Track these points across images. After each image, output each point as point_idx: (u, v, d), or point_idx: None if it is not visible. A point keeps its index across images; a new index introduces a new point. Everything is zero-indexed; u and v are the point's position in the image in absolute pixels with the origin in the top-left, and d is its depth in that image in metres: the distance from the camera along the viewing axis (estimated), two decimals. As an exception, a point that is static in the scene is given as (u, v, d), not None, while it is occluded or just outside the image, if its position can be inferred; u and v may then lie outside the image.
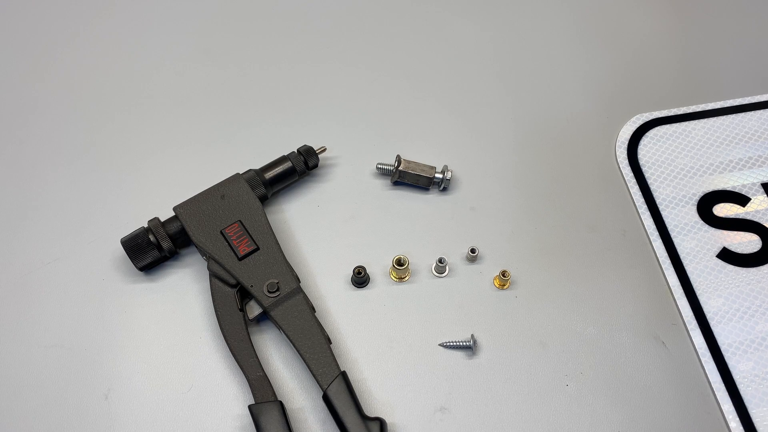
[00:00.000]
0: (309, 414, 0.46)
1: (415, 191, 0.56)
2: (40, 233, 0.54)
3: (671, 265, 0.52)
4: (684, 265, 0.52)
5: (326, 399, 0.44)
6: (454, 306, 0.51)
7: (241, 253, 0.49)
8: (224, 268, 0.49)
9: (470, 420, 0.46)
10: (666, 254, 0.53)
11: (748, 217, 0.54)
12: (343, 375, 0.45)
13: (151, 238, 0.50)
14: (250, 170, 0.53)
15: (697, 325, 0.50)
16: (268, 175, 0.54)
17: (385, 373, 0.48)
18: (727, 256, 0.53)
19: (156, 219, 0.51)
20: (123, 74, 0.63)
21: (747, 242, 0.53)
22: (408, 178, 0.55)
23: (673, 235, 0.54)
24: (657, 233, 0.54)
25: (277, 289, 0.48)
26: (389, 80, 0.63)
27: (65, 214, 0.55)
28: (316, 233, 0.54)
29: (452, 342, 0.48)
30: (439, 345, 0.49)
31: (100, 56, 0.64)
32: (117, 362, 0.48)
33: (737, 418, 0.46)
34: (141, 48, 0.65)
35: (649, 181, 0.56)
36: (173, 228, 0.50)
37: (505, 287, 0.51)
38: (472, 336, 0.48)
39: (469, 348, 0.48)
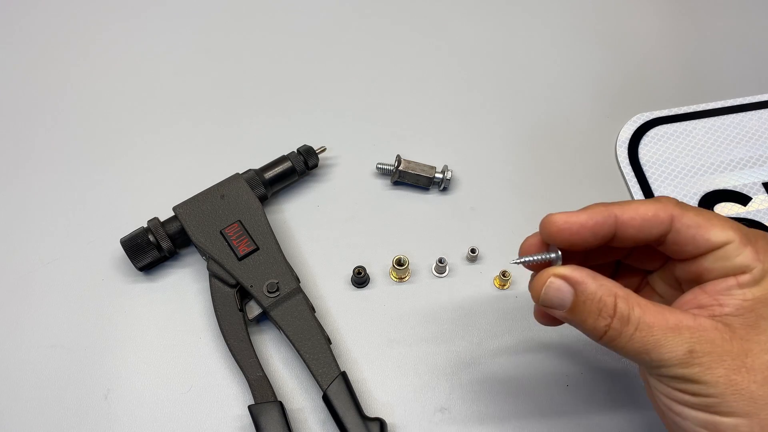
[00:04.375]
0: (309, 414, 0.46)
1: (415, 191, 0.56)
2: (40, 233, 0.54)
3: (672, 265, 0.52)
4: (685, 264, 0.52)
5: (326, 399, 0.44)
6: (454, 306, 0.50)
7: (241, 253, 0.49)
8: (224, 268, 0.48)
9: (470, 420, 0.46)
10: (667, 254, 0.52)
11: (750, 217, 0.54)
12: (343, 375, 0.45)
13: (151, 238, 0.50)
14: (249, 170, 0.53)
15: (697, 324, 0.49)
16: (268, 175, 0.54)
17: (385, 373, 0.48)
18: (727, 255, 0.52)
19: (155, 219, 0.51)
20: (123, 74, 0.63)
21: (748, 242, 0.53)
22: (408, 178, 0.55)
23: (673, 234, 0.53)
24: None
25: (277, 289, 0.48)
26: (389, 80, 0.63)
27: (65, 214, 0.55)
28: (316, 233, 0.54)
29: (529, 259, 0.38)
30: (512, 262, 0.38)
31: (99, 56, 0.64)
32: (117, 362, 0.48)
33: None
34: (141, 48, 0.65)
35: (650, 181, 0.56)
36: (173, 228, 0.50)
37: (505, 287, 0.51)
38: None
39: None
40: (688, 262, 0.35)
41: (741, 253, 0.33)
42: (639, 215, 0.35)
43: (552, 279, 0.34)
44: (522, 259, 0.37)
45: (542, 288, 0.35)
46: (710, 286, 0.34)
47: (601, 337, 0.34)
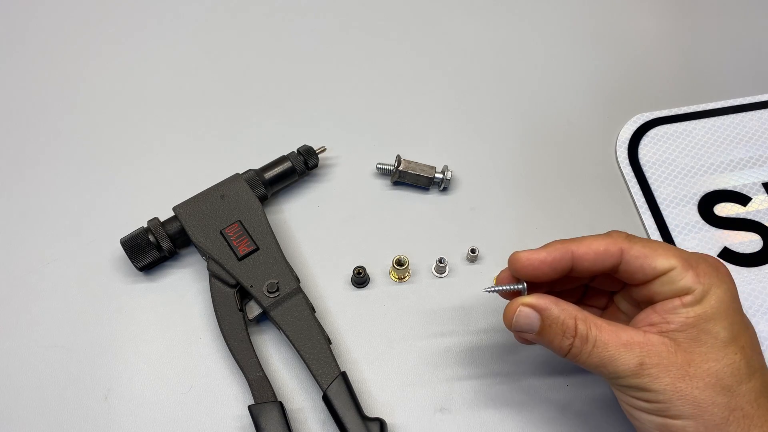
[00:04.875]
0: (309, 414, 0.46)
1: (415, 191, 0.56)
2: (40, 233, 0.54)
3: (672, 265, 0.52)
4: (685, 264, 0.52)
5: (326, 399, 0.44)
6: (454, 306, 0.50)
7: (241, 253, 0.49)
8: (224, 268, 0.48)
9: (470, 420, 0.46)
10: (666, 254, 0.52)
11: (749, 217, 0.54)
12: (343, 375, 0.45)
13: (151, 238, 0.50)
14: (249, 170, 0.53)
15: (697, 325, 0.49)
16: (268, 175, 0.54)
17: (385, 374, 0.48)
18: (728, 255, 0.52)
19: (155, 219, 0.51)
20: (123, 74, 0.63)
21: (748, 242, 0.53)
22: (408, 178, 0.55)
23: (674, 234, 0.54)
24: (658, 233, 0.54)
25: (277, 290, 0.48)
26: (389, 80, 0.63)
27: (65, 214, 0.55)
28: (316, 233, 0.54)
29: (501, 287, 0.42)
30: (484, 290, 0.43)
31: (99, 56, 0.64)
32: (117, 362, 0.48)
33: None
34: (141, 47, 0.65)
35: (650, 181, 0.56)
36: (173, 228, 0.50)
37: (505, 287, 0.51)
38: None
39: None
40: (641, 286, 0.40)
41: (683, 277, 0.38)
42: (592, 250, 0.40)
43: (521, 308, 0.39)
44: (493, 288, 0.42)
45: (513, 316, 0.40)
46: (659, 306, 0.38)
47: (566, 354, 0.39)
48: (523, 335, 0.40)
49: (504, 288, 0.42)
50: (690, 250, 0.41)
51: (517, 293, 0.42)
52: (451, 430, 0.46)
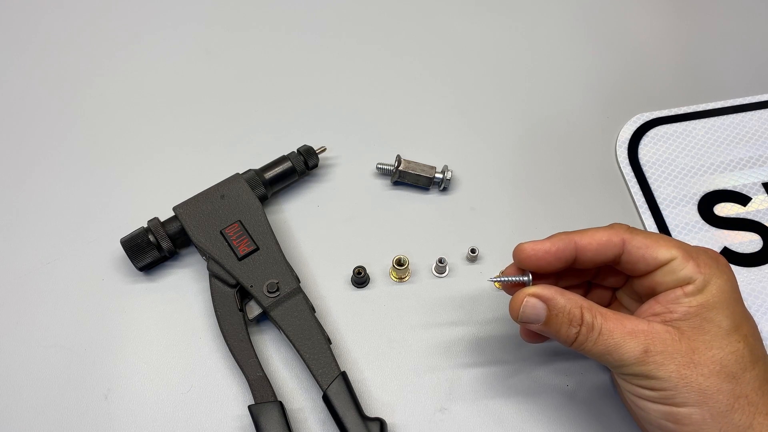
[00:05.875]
0: (309, 414, 0.46)
1: (415, 191, 0.56)
2: (40, 233, 0.54)
3: (672, 265, 0.52)
4: (685, 264, 0.52)
5: (326, 399, 0.44)
6: (454, 306, 0.50)
7: (241, 253, 0.49)
8: (224, 268, 0.48)
9: (470, 420, 0.46)
10: (666, 254, 0.52)
11: (749, 217, 0.54)
12: (343, 375, 0.45)
13: (151, 238, 0.50)
14: (249, 170, 0.53)
15: (697, 325, 0.49)
16: (268, 175, 0.54)
17: (385, 373, 0.48)
18: (728, 255, 0.52)
19: (156, 219, 0.51)
20: (123, 74, 0.63)
21: (748, 242, 0.53)
22: (408, 178, 0.55)
23: (674, 234, 0.54)
24: (658, 233, 0.54)
25: (277, 289, 0.48)
26: (389, 80, 0.63)
27: (65, 214, 0.55)
28: (316, 233, 0.54)
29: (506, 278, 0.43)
30: (489, 280, 0.44)
31: (100, 56, 0.64)
32: (117, 362, 0.48)
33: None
34: (141, 47, 0.65)
35: (650, 181, 0.56)
36: (173, 228, 0.50)
37: (505, 287, 0.51)
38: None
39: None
40: (643, 277, 0.40)
41: (684, 267, 0.38)
42: (595, 240, 0.40)
43: (528, 298, 0.40)
44: (499, 279, 0.43)
45: (520, 307, 0.40)
46: (662, 297, 0.39)
47: (572, 343, 0.39)
48: (529, 326, 0.41)
49: (510, 279, 0.42)
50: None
51: (522, 285, 0.42)
52: (451, 430, 0.46)
